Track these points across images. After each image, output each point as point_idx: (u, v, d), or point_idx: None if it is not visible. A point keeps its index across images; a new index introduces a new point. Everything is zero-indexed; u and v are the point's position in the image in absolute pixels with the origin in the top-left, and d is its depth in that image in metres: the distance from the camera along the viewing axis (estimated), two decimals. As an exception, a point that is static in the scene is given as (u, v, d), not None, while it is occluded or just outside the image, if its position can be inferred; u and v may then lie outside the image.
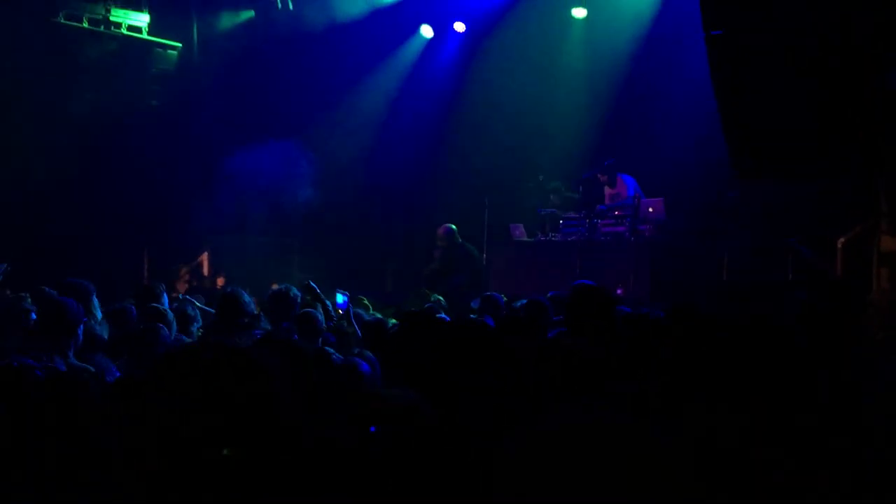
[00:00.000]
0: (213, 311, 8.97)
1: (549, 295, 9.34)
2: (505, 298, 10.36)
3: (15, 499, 3.68)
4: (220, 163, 17.72)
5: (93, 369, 6.06)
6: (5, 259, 9.07)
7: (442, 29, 18.85)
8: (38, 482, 3.68)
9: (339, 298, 6.44)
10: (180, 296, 10.92)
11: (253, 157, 17.69)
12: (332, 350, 5.69)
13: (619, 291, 12.79)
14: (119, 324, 7.55)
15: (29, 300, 8.30)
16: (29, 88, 15.67)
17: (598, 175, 15.41)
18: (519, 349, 3.64)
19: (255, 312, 7.57)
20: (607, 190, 15.49)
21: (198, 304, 9.54)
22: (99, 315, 8.13)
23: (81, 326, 6.70)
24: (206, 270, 17.47)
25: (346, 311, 5.65)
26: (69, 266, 13.87)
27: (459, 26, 18.63)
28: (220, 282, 17.13)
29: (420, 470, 2.99)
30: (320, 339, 7.50)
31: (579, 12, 17.33)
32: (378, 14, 17.96)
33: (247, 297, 7.55)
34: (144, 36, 16.79)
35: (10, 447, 4.05)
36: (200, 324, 8.17)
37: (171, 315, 7.07)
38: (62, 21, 15.95)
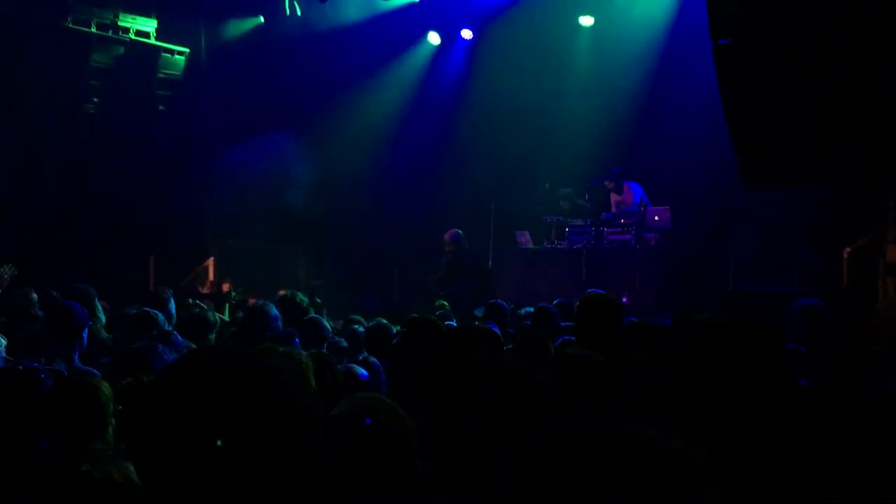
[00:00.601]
0: (220, 316, 8.99)
1: (555, 302, 9.34)
2: (511, 306, 10.36)
3: (16, 499, 3.68)
4: (226, 168, 17.75)
5: (98, 373, 6.06)
6: (12, 263, 9.06)
7: (449, 36, 18.87)
8: (40, 483, 3.68)
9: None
10: (189, 300, 10.90)
11: (259, 163, 17.72)
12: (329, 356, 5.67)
13: (624, 299, 12.78)
14: (122, 328, 7.54)
15: (35, 298, 8.30)
16: (37, 93, 15.70)
17: (606, 182, 15.42)
18: (522, 358, 3.64)
19: (282, 329, 7.44)
20: (613, 197, 15.50)
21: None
22: (103, 319, 8.14)
23: (86, 330, 6.72)
24: (211, 275, 17.48)
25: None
26: (75, 271, 13.90)
27: (466, 33, 18.65)
28: (226, 287, 17.13)
29: (417, 474, 3.00)
30: (325, 345, 7.49)
31: (587, 20, 17.35)
32: (385, 21, 17.97)
33: (275, 312, 7.47)
34: (152, 41, 16.83)
35: (14, 449, 4.06)
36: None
37: (161, 318, 7.05)
38: (70, 26, 15.98)
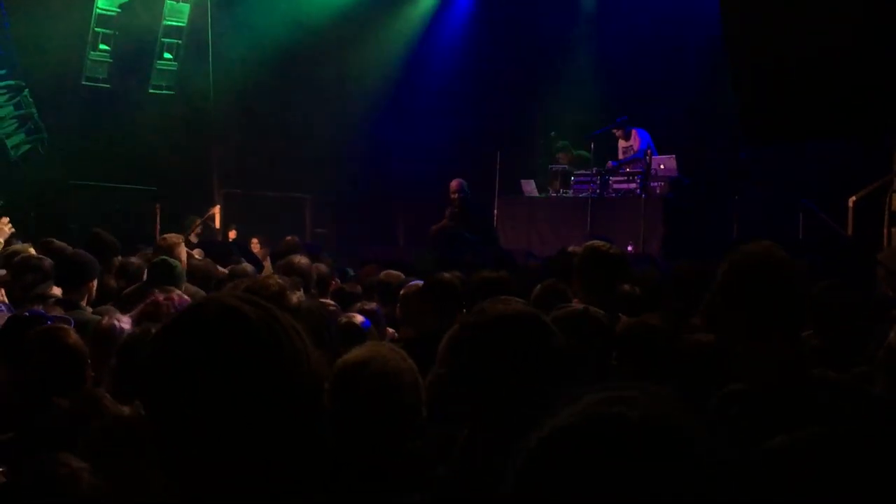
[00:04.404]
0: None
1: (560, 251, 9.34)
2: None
3: (25, 444, 3.72)
4: (234, 115, 17.72)
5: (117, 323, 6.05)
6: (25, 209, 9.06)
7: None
8: (46, 431, 3.72)
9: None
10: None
11: (269, 110, 17.68)
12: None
13: (629, 248, 12.80)
14: (128, 277, 7.53)
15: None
16: (43, 39, 15.67)
17: (613, 130, 15.37)
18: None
19: None
20: (621, 143, 15.45)
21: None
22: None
23: (96, 281, 6.75)
24: (217, 223, 17.48)
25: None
26: (80, 219, 13.95)
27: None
28: (232, 235, 17.16)
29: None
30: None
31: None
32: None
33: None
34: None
35: (20, 395, 4.10)
36: None
37: (180, 269, 7.01)
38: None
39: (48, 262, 6.99)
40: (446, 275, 6.11)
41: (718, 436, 1.33)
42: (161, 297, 4.95)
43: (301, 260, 7.34)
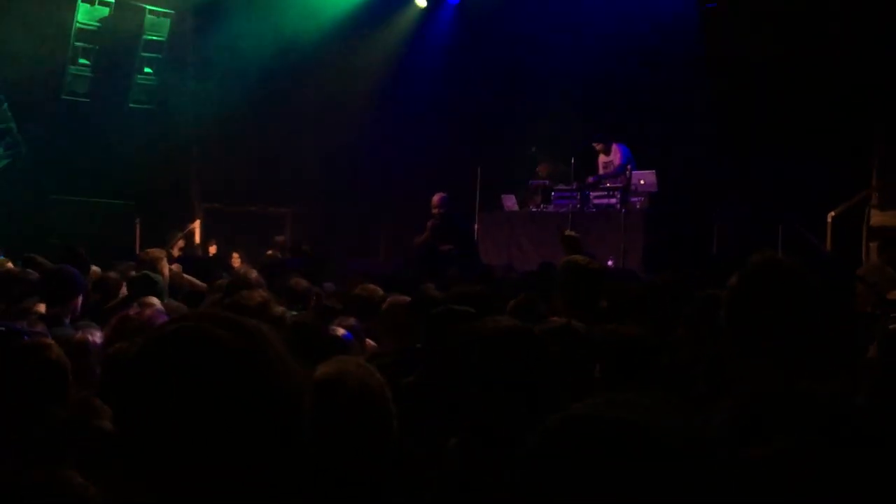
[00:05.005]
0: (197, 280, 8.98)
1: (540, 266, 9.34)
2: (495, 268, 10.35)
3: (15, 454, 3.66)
4: (215, 130, 17.69)
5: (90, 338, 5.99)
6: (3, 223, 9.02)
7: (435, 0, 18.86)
8: (18, 451, 3.66)
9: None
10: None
11: (249, 125, 17.65)
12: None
13: (609, 263, 12.81)
14: (105, 290, 7.49)
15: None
16: (22, 54, 15.61)
17: (594, 144, 15.43)
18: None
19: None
20: (601, 158, 15.50)
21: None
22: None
23: (81, 296, 6.69)
24: (197, 238, 17.45)
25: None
26: (60, 233, 13.89)
27: (453, -4, 18.65)
28: (213, 249, 17.12)
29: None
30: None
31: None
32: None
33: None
34: (137, 2, 16.72)
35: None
36: None
37: (161, 283, 6.97)
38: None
39: (34, 275, 6.94)
40: (434, 290, 6.11)
41: (707, 439, 1.41)
42: (132, 312, 4.92)
43: (251, 273, 7.35)
